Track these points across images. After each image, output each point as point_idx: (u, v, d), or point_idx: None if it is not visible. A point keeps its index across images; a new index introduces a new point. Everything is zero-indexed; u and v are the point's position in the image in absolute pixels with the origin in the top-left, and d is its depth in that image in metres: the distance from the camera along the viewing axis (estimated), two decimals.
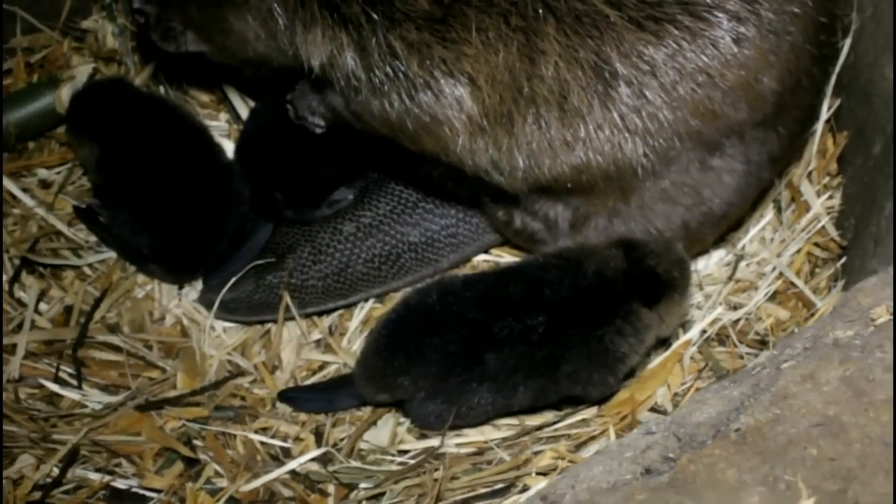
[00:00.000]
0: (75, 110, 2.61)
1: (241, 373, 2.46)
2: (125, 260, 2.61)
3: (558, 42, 2.00)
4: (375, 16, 2.03)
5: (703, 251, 2.50)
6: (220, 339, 2.53)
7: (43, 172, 2.75)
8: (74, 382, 2.42)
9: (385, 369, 2.21)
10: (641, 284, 2.17)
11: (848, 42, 2.46)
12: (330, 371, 2.48)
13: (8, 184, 2.67)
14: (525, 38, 2.00)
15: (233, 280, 2.48)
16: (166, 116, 2.59)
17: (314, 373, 2.48)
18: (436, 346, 2.15)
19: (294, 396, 2.38)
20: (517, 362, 2.14)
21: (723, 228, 2.40)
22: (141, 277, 2.60)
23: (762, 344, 2.39)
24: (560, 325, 2.14)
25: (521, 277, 2.21)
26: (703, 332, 2.40)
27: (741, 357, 2.36)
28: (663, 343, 2.41)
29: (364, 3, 2.04)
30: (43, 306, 2.54)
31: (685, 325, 2.44)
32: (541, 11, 1.99)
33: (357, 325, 2.54)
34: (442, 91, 2.06)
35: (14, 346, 2.42)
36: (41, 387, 2.41)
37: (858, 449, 1.32)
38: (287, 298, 2.46)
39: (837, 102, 2.55)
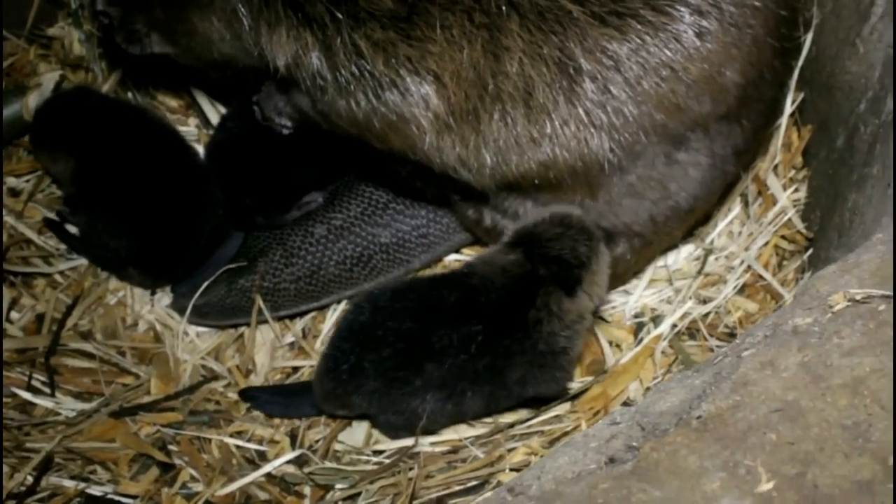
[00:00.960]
0: (41, 125, 2.60)
1: (215, 377, 2.46)
2: (99, 267, 2.61)
3: (522, 38, 2.00)
4: (340, 15, 2.03)
5: (672, 246, 2.53)
6: (193, 343, 2.53)
7: (12, 181, 2.75)
8: (47, 390, 2.41)
9: (336, 389, 2.22)
10: (553, 278, 2.15)
11: (809, 36, 2.49)
12: (304, 373, 2.49)
13: None
14: (489, 34, 2.01)
15: (205, 285, 2.48)
16: (136, 120, 2.58)
17: (288, 375, 2.48)
18: (373, 361, 2.16)
19: (255, 396, 2.39)
20: (460, 371, 2.15)
21: (690, 222, 2.41)
22: (113, 284, 2.60)
23: (731, 337, 2.41)
24: (495, 333, 2.14)
25: (453, 284, 2.21)
26: (674, 326, 2.43)
27: (711, 350, 2.38)
28: (635, 338, 2.44)
29: (328, 2, 2.04)
30: (14, 314, 2.54)
31: (656, 320, 2.46)
32: (504, 8, 1.99)
33: (330, 327, 2.55)
34: (408, 89, 2.06)
35: None
36: (14, 395, 2.40)
37: (816, 433, 1.34)
38: (259, 302, 2.46)
39: (801, 96, 2.58)
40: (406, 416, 2.19)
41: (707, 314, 2.45)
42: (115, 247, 2.52)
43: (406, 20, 2.02)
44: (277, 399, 2.39)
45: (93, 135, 2.54)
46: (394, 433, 2.29)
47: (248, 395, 2.39)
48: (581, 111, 2.05)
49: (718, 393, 1.42)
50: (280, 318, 2.53)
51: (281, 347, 2.51)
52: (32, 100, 2.71)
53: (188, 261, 2.53)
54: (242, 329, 2.54)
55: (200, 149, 2.68)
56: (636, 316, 2.52)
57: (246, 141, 2.54)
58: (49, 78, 2.75)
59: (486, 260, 2.22)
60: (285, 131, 2.37)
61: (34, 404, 2.40)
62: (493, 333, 2.14)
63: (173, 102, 2.84)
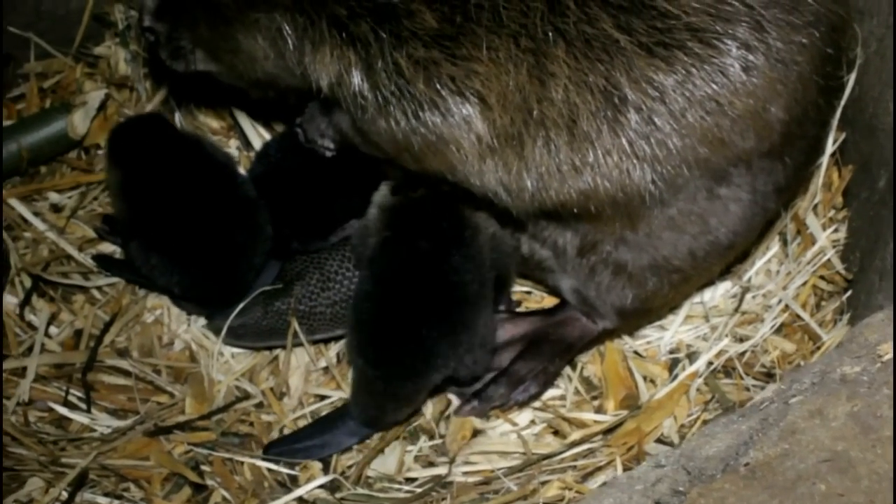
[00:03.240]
0: (115, 138, 2.58)
1: (249, 398, 2.47)
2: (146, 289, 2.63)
3: (568, 65, 1.99)
4: (383, 34, 2.03)
5: (709, 282, 2.52)
6: (228, 364, 2.54)
7: (55, 196, 2.77)
8: (84, 406, 2.43)
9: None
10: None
11: (853, 76, 2.49)
12: (334, 399, 2.49)
13: (19, 207, 2.69)
14: (535, 59, 2.00)
15: (240, 306, 2.49)
16: (196, 153, 2.56)
17: (321, 398, 2.49)
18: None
19: (282, 450, 2.36)
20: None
21: (729, 258, 2.40)
22: (150, 302, 2.62)
23: (768, 376, 2.40)
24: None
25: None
26: (710, 363, 2.42)
27: (747, 389, 2.38)
28: (670, 374, 2.44)
29: (373, 21, 2.04)
30: (53, 330, 2.56)
31: (691, 357, 2.46)
32: (550, 34, 1.98)
33: None
34: (449, 110, 2.05)
35: (24, 369, 2.44)
36: (50, 410, 2.42)
37: (866, 485, 1.33)
38: (295, 325, 2.47)
39: (843, 136, 2.58)
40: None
41: (743, 353, 2.44)
42: (166, 284, 2.52)
43: (451, 39, 2.01)
44: (308, 443, 2.37)
45: (150, 161, 2.53)
46: None
47: (273, 450, 2.36)
48: (624, 141, 2.03)
49: (766, 440, 1.41)
50: (315, 342, 2.53)
51: (315, 371, 2.52)
52: (77, 118, 2.74)
53: (241, 292, 2.52)
54: (277, 351, 2.55)
55: (241, 171, 2.70)
56: (671, 352, 2.51)
57: (286, 172, 2.56)
58: (94, 96, 2.78)
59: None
60: (328, 153, 2.37)
61: (70, 419, 2.41)
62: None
63: (215, 123, 2.86)
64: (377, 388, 2.29)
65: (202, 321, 2.60)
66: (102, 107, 2.80)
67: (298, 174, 2.52)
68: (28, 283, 2.59)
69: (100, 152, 2.82)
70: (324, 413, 2.45)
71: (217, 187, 2.50)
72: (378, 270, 2.34)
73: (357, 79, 2.09)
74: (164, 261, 2.47)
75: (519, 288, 2.62)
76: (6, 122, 2.82)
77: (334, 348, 2.56)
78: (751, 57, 1.99)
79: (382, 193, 2.41)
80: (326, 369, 2.52)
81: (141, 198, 2.49)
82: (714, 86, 1.99)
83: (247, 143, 2.81)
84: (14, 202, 2.69)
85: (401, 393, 2.29)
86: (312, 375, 2.52)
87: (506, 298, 2.55)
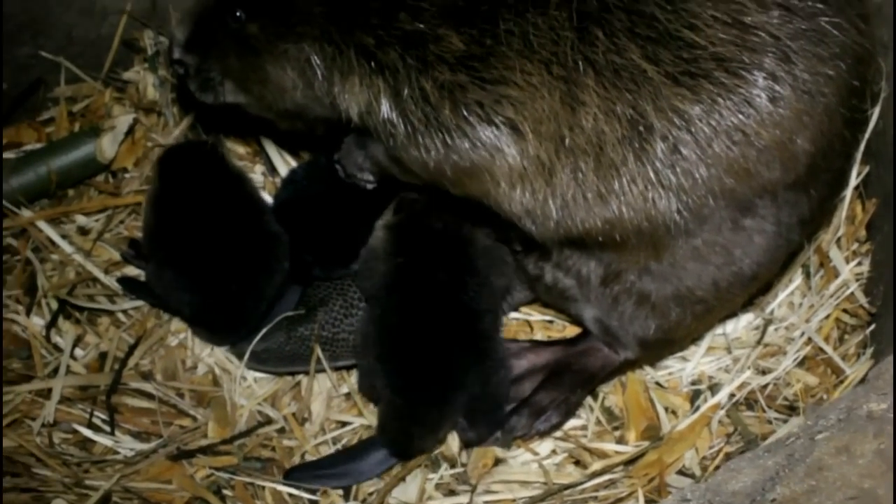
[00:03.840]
0: (168, 157, 2.65)
1: (271, 423, 2.48)
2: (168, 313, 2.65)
3: (597, 94, 2.00)
4: (410, 60, 2.05)
5: (732, 314, 2.52)
6: (250, 389, 2.55)
7: (81, 219, 2.80)
8: (107, 428, 2.45)
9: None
10: None
11: (877, 109, 2.48)
12: (356, 425, 2.49)
13: (47, 230, 2.72)
14: (567, 87, 2.01)
15: (264, 331, 2.50)
16: (234, 186, 2.62)
17: (343, 425, 2.49)
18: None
19: (304, 476, 2.37)
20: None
21: (752, 290, 2.38)
22: (174, 326, 2.64)
23: (791, 409, 2.40)
24: None
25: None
26: (732, 395, 2.41)
27: (770, 422, 2.37)
28: (691, 405, 2.43)
29: (401, 48, 2.05)
30: (79, 352, 2.58)
31: (713, 389, 2.45)
32: (581, 63, 2.00)
33: None
34: (479, 138, 2.06)
35: (49, 390, 2.46)
36: (75, 432, 2.44)
37: None
38: (318, 351, 2.48)
39: (866, 169, 2.58)
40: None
41: (766, 385, 2.43)
42: (177, 303, 2.55)
43: (481, 60, 2.03)
44: (336, 471, 2.38)
45: (191, 184, 2.58)
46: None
47: (294, 475, 2.37)
48: (650, 170, 2.03)
49: (792, 476, 1.41)
50: (338, 369, 2.54)
51: (337, 397, 2.53)
52: (106, 142, 2.77)
53: (248, 323, 2.54)
54: (300, 377, 2.56)
55: (267, 196, 2.73)
56: (693, 383, 2.51)
57: (311, 198, 2.59)
58: (123, 121, 2.81)
59: None
60: (370, 186, 2.39)
61: (94, 442, 2.43)
62: None
63: (241, 149, 2.89)
64: (405, 416, 2.30)
65: (225, 345, 2.61)
66: (130, 131, 2.83)
67: (323, 201, 2.55)
68: (55, 305, 2.62)
69: (127, 176, 2.85)
70: (345, 439, 2.46)
71: (243, 218, 2.54)
72: (397, 300, 2.36)
73: (385, 107, 2.10)
74: (177, 278, 2.51)
75: (541, 317, 2.63)
76: (36, 146, 2.87)
77: (356, 375, 2.56)
78: (777, 88, 1.99)
79: (386, 216, 2.46)
80: (348, 395, 2.53)
81: (170, 213, 2.54)
82: (740, 116, 2.00)
83: (272, 169, 2.83)
84: (42, 224, 2.72)
85: (428, 420, 2.31)
86: (334, 401, 2.53)
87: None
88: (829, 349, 2.44)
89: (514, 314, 2.64)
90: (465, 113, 2.05)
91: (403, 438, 2.33)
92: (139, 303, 2.66)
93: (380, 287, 2.41)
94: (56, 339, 2.58)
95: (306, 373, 2.52)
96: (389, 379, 2.30)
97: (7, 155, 2.84)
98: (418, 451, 2.37)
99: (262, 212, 2.61)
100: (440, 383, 2.29)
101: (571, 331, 2.58)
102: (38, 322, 2.60)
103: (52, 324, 2.59)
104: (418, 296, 2.36)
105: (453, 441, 2.38)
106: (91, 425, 2.45)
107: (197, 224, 2.53)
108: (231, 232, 2.52)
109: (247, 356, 2.51)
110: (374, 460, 2.35)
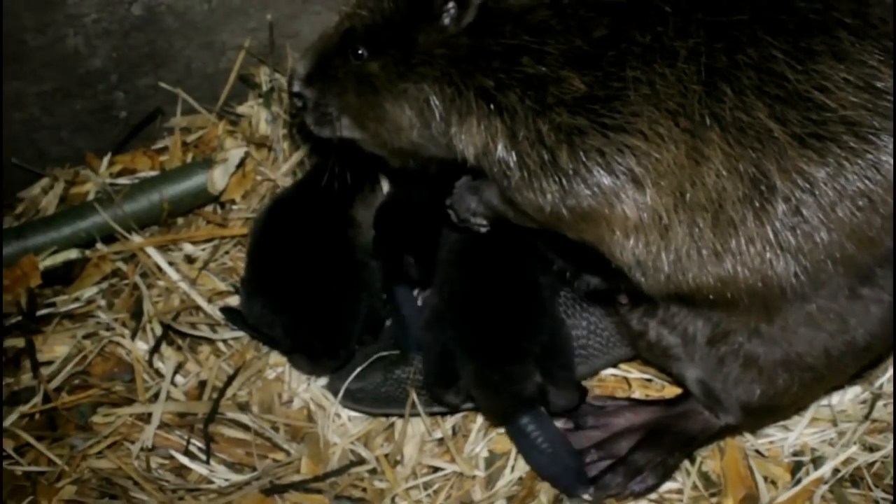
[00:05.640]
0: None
1: (364, 463, 2.48)
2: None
3: (721, 150, 1.97)
4: (529, 102, 2.04)
5: (839, 385, 2.45)
6: (344, 427, 2.56)
7: (189, 248, 2.86)
8: (203, 457, 2.48)
9: None
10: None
11: None
12: (448, 472, 2.48)
13: (156, 256, 2.78)
14: (692, 141, 1.98)
15: (359, 369, 2.51)
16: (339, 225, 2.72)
17: (435, 470, 2.48)
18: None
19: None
20: None
21: (864, 361, 2.31)
22: (273, 358, 2.67)
23: None
24: None
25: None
26: (836, 471, 2.34)
27: (876, 502, 2.29)
28: (792, 477, 2.37)
29: (521, 90, 2.05)
30: (179, 378, 2.62)
31: (816, 462, 2.38)
32: (707, 118, 1.97)
33: (480, 426, 2.54)
34: (598, 184, 2.03)
35: (149, 415, 2.50)
36: (171, 458, 2.48)
37: None
38: (414, 395, 2.48)
39: None
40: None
41: (873, 463, 2.35)
42: (271, 334, 2.59)
43: (603, 103, 2.01)
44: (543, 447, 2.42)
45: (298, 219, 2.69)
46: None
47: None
48: (769, 231, 1.99)
49: None
50: (432, 414, 2.54)
51: (430, 442, 2.52)
52: (217, 173, 2.83)
53: (347, 345, 2.56)
54: (393, 418, 2.56)
55: None
56: (795, 454, 2.44)
57: (412, 203, 2.69)
58: (234, 154, 2.87)
59: None
60: (483, 230, 2.40)
61: (189, 469, 2.46)
62: None
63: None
64: (488, 377, 2.37)
65: (322, 381, 2.63)
66: (241, 164, 2.90)
67: (424, 205, 2.63)
68: (159, 330, 2.67)
69: (235, 207, 2.91)
70: (437, 485, 2.45)
71: (335, 250, 2.64)
72: (464, 270, 2.53)
73: (501, 148, 2.10)
74: (267, 307, 2.56)
75: (640, 375, 2.59)
76: (150, 173, 2.95)
77: (451, 421, 2.56)
78: None
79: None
80: (441, 441, 2.52)
81: (272, 242, 2.66)
82: (867, 181, 1.95)
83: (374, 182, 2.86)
84: (151, 250, 2.79)
85: (513, 373, 2.37)
86: (427, 446, 2.52)
87: None
88: None
89: (612, 370, 2.60)
90: (585, 159, 2.03)
91: (494, 400, 2.37)
92: (240, 333, 2.70)
93: (451, 253, 2.56)
94: (158, 364, 2.63)
95: (400, 415, 2.52)
96: (465, 343, 2.37)
97: (122, 181, 2.94)
98: (510, 408, 2.39)
99: (353, 248, 2.70)
100: (513, 335, 2.38)
101: (670, 391, 2.54)
102: (142, 346, 2.65)
103: (155, 349, 2.64)
104: (483, 265, 2.51)
105: (544, 495, 2.36)
106: (187, 452, 2.49)
107: (292, 255, 2.61)
108: (320, 260, 2.60)
109: (341, 393, 2.52)
110: None
